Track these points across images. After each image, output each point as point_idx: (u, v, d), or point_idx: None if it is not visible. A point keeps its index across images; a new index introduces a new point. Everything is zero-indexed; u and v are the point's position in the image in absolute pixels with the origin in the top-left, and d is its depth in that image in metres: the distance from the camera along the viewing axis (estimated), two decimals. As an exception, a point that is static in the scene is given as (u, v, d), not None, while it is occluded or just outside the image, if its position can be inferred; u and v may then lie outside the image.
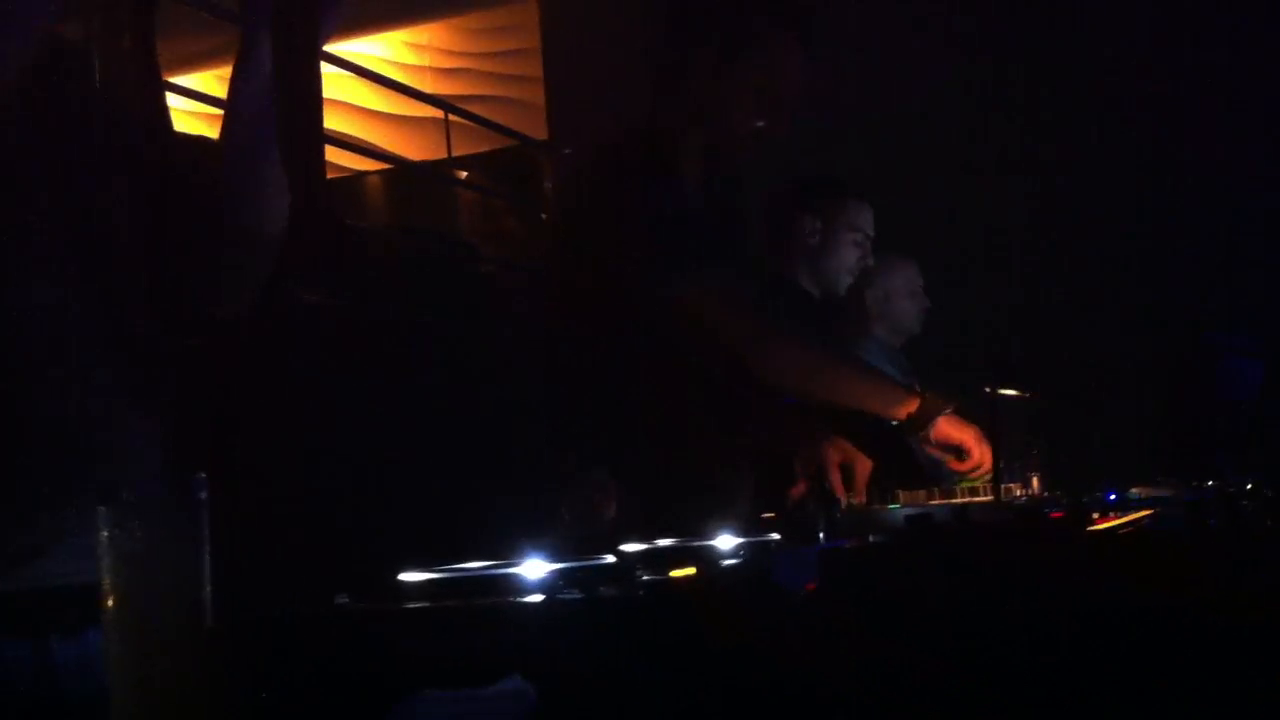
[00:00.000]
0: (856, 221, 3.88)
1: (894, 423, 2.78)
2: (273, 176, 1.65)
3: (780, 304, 3.67)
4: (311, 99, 1.62)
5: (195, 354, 1.72)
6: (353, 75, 6.40)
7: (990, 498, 2.35)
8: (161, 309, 1.69)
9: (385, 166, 6.96)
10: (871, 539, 1.88)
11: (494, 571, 1.53)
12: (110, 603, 1.19)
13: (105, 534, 1.18)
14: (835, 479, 2.82)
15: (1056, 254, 4.84)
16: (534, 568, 1.51)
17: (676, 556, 1.64)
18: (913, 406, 2.73)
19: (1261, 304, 4.29)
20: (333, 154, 6.52)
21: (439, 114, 6.49)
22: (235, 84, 1.75)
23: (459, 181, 6.55)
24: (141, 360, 1.70)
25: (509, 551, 1.55)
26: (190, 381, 1.74)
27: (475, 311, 3.54)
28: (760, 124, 2.82)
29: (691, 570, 1.57)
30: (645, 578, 1.53)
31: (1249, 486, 2.27)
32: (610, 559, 1.55)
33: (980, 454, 2.67)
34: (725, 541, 1.72)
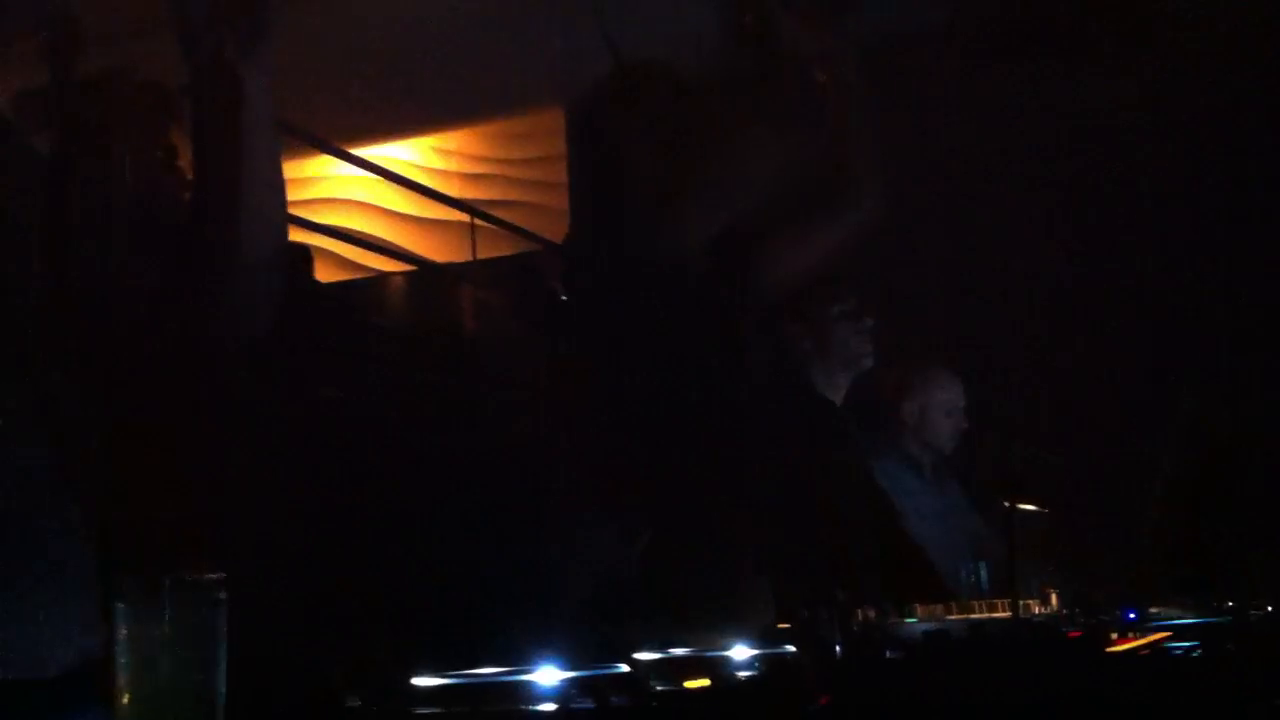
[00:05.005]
0: (847, 314, 3.81)
1: None
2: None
3: (801, 413, 3.66)
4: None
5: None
6: (381, 179, 6.47)
7: (1008, 614, 2.32)
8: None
9: (409, 268, 7.02)
10: (888, 654, 1.86)
11: (507, 678, 1.53)
12: (125, 700, 1.19)
13: (124, 632, 1.18)
14: None
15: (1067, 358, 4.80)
16: (547, 675, 1.51)
17: (690, 666, 1.63)
18: None
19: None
20: (358, 254, 6.59)
21: (465, 217, 6.57)
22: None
23: (484, 284, 6.59)
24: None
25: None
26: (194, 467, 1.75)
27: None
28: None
29: (705, 681, 1.56)
30: (658, 688, 1.52)
31: (1270, 609, 2.25)
32: (624, 667, 1.54)
33: None
34: (739, 652, 1.71)
